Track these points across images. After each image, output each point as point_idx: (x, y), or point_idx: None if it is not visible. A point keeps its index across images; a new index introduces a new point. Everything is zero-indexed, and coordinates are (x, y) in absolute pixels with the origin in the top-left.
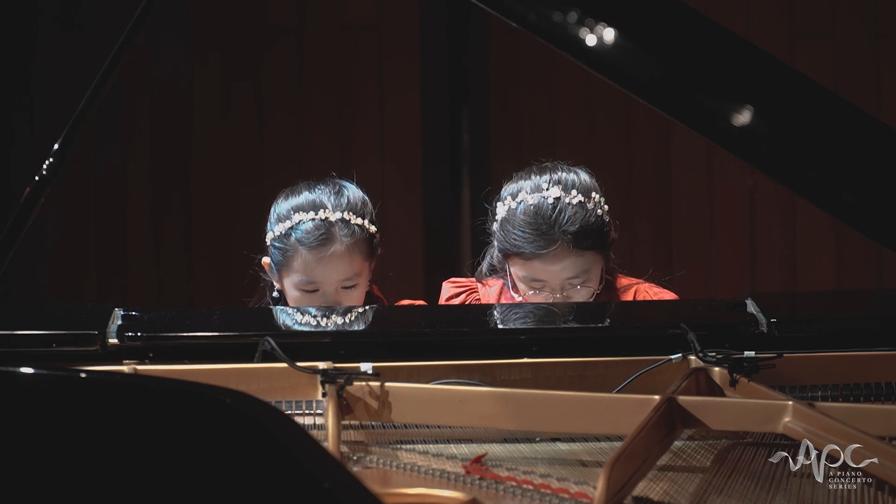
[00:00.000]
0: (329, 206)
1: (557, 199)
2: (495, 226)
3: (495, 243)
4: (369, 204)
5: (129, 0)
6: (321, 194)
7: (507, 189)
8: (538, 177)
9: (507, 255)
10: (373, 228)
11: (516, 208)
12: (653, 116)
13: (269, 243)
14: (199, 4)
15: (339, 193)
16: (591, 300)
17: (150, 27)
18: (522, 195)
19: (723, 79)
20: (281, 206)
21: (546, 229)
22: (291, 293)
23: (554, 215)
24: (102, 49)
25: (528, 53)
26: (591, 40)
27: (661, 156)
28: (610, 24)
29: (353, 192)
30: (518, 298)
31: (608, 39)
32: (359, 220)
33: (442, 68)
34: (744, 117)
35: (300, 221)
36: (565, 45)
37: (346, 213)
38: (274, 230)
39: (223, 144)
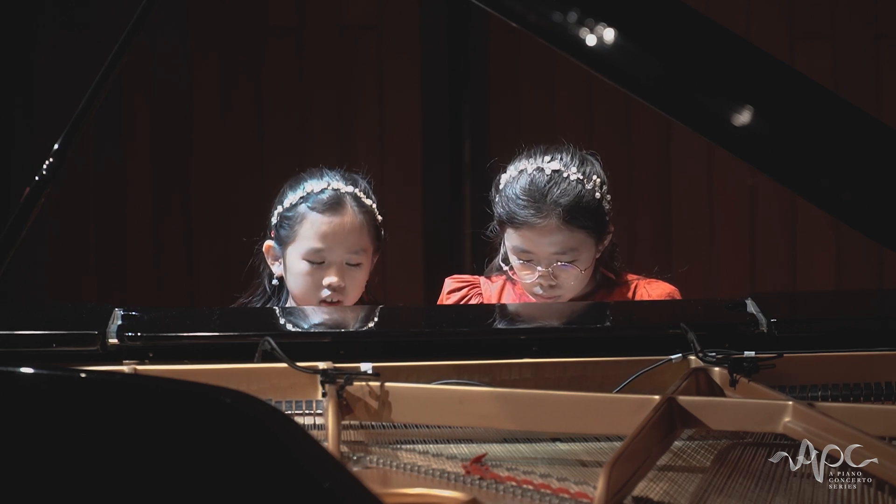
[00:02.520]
0: (341, 182)
1: (556, 171)
2: (497, 196)
3: (495, 214)
4: (375, 202)
5: (129, 0)
6: (331, 176)
7: (513, 162)
8: (545, 154)
9: (501, 223)
10: (379, 217)
11: (517, 176)
12: (653, 116)
13: (273, 223)
14: (199, 4)
15: (347, 177)
16: (579, 285)
17: (150, 27)
18: (524, 165)
19: (723, 79)
20: (289, 187)
21: (538, 197)
22: (295, 268)
23: (548, 186)
24: (102, 49)
25: (528, 53)
26: (591, 40)
27: (661, 156)
28: (610, 24)
29: (362, 181)
30: (505, 268)
31: (608, 39)
32: (368, 202)
33: (442, 68)
34: (744, 117)
35: (311, 191)
36: (565, 45)
37: (357, 190)
38: (283, 203)
39: (223, 144)
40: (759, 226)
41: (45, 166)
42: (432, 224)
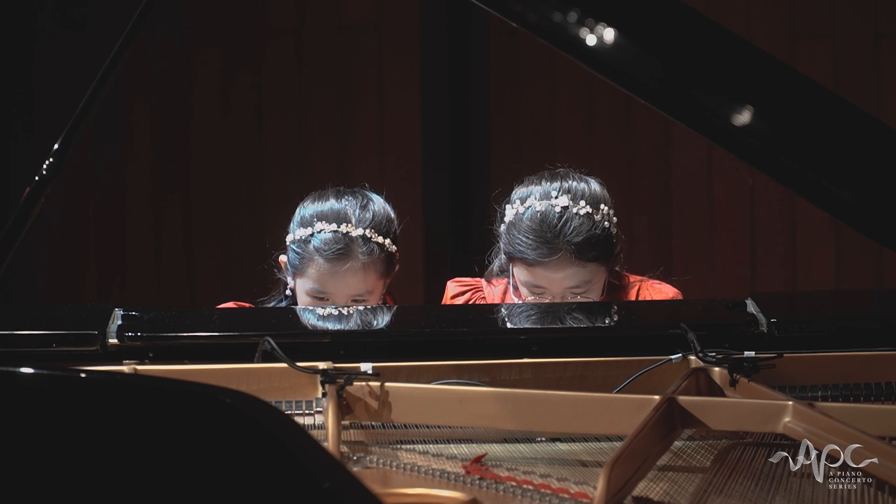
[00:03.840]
0: (352, 221)
1: (565, 208)
2: (502, 228)
3: (500, 245)
4: (395, 222)
5: (129, 0)
6: (347, 206)
7: (517, 193)
8: (549, 183)
9: (511, 258)
10: (393, 248)
11: (524, 213)
12: (653, 116)
13: (288, 244)
14: (199, 4)
15: (364, 207)
16: None
17: (149, 27)
18: (531, 201)
19: (722, 78)
20: (306, 209)
21: (550, 238)
22: (302, 297)
23: (559, 225)
24: (102, 49)
25: (528, 53)
26: (591, 40)
27: (661, 156)
28: (610, 24)
29: (379, 207)
30: (517, 301)
31: (608, 39)
32: (379, 239)
33: (442, 68)
34: (744, 117)
35: (321, 230)
36: (565, 45)
37: (367, 229)
38: (295, 233)
39: (223, 144)
40: (759, 226)
41: (45, 166)
42: (432, 224)
